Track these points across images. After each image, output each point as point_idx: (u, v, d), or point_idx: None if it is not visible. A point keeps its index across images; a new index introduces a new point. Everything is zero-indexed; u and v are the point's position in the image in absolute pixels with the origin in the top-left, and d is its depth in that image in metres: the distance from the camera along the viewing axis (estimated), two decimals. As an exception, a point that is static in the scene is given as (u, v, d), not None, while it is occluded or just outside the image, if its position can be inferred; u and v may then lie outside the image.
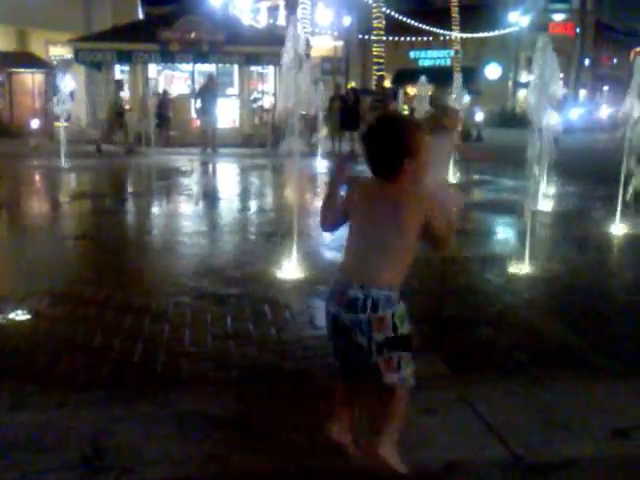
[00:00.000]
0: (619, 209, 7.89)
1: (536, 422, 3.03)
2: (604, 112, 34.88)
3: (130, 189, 12.36)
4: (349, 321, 2.50)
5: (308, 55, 24.32)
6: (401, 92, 23.29)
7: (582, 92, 41.79)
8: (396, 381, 2.53)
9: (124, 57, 20.35)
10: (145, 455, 2.74)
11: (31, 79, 22.23)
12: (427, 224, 2.48)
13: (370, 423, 2.73)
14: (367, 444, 2.64)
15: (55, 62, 25.76)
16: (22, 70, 22.23)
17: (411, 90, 36.72)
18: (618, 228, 7.97)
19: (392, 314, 2.48)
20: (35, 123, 20.79)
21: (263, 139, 18.78)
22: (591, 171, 13.80)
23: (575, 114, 31.03)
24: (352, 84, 31.93)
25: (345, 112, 18.60)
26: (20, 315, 4.52)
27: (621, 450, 2.84)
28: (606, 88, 45.77)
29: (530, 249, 5.90)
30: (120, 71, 21.82)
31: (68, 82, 14.14)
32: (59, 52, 26.10)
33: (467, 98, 29.63)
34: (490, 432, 2.95)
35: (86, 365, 3.69)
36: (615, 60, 48.56)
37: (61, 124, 14.41)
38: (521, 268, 5.94)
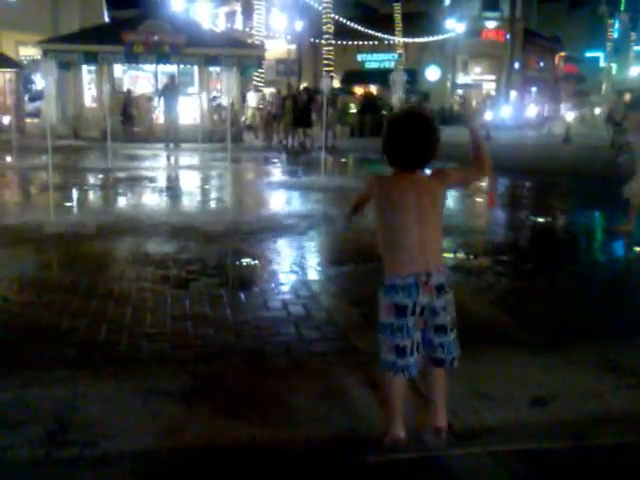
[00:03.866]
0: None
1: (464, 392, 3.06)
2: (532, 111, 35.55)
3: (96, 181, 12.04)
4: (440, 305, 2.45)
5: (263, 58, 23.92)
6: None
7: (512, 93, 42.40)
8: (457, 355, 2.54)
9: (91, 58, 20.04)
10: (108, 429, 2.69)
11: (2, 78, 21.51)
12: (452, 183, 2.64)
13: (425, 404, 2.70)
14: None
15: (25, 62, 25.03)
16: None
17: (358, 90, 36.81)
18: (543, 215, 8.18)
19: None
20: (6, 119, 20.18)
21: (221, 135, 18.63)
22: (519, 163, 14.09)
23: (506, 113, 31.53)
24: (305, 84, 31.79)
25: (297, 110, 18.59)
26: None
27: (539, 417, 2.89)
28: (534, 89, 46.53)
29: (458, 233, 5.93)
30: (87, 71, 21.44)
31: (40, 81, 13.69)
32: (29, 52, 25.34)
33: (413, 97, 29.83)
34: (424, 402, 2.98)
35: (52, 347, 3.62)
36: (542, 63, 49.33)
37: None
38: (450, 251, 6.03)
